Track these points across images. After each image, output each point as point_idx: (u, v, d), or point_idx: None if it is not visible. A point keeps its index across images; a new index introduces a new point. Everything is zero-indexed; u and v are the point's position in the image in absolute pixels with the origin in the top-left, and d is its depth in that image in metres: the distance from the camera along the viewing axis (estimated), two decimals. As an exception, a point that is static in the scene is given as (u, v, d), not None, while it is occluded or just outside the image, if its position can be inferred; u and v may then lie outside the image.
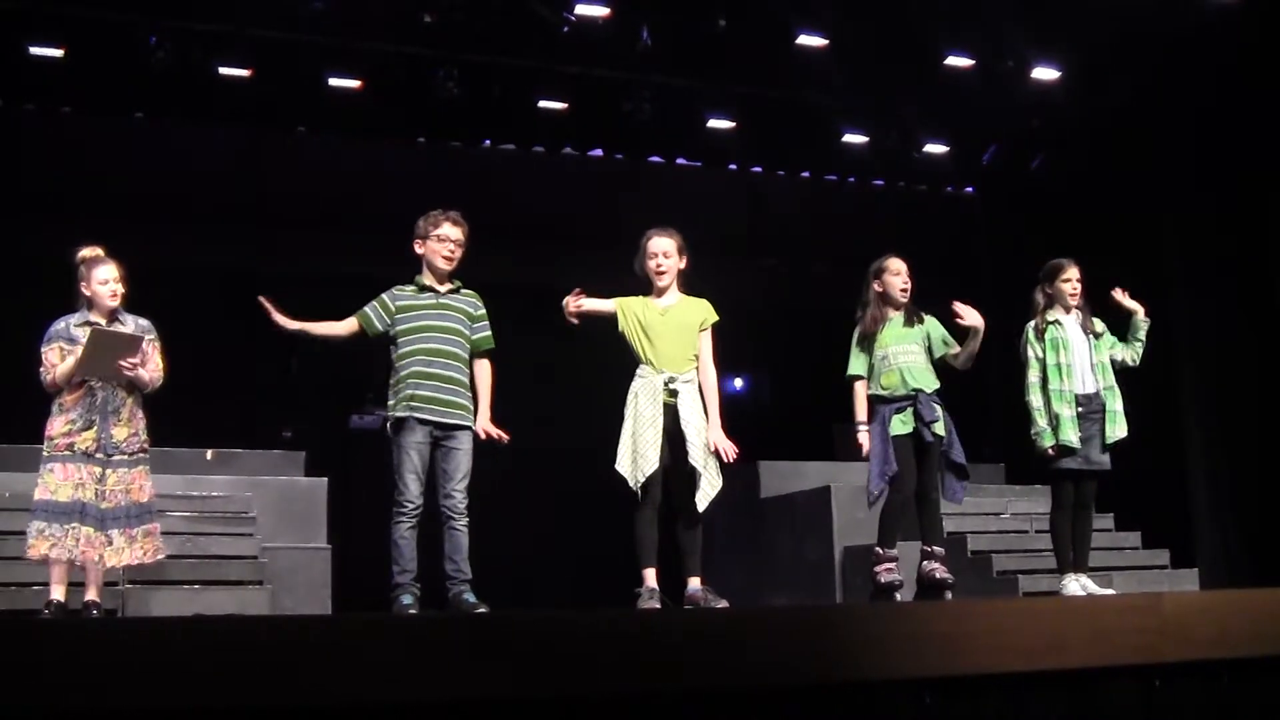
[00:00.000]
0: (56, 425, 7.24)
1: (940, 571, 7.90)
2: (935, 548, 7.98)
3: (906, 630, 5.95)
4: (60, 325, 7.33)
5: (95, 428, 7.23)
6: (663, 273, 7.62)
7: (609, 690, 5.25)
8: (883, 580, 7.90)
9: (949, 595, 7.89)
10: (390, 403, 7.34)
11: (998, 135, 15.27)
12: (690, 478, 7.37)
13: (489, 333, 7.56)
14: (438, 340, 7.34)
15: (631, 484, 7.31)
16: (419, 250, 7.52)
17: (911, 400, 7.89)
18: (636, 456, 7.30)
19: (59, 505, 7.13)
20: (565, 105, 13.42)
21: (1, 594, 8.24)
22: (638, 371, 7.53)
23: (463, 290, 7.57)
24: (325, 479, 10.35)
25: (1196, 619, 6.57)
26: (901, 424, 7.88)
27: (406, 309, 7.39)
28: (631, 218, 14.08)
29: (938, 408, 7.96)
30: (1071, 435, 8.09)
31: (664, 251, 7.63)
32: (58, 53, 11.75)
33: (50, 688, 4.55)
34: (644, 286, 7.73)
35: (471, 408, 7.39)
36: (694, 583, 7.42)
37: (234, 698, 4.71)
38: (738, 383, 15.64)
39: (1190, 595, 9.47)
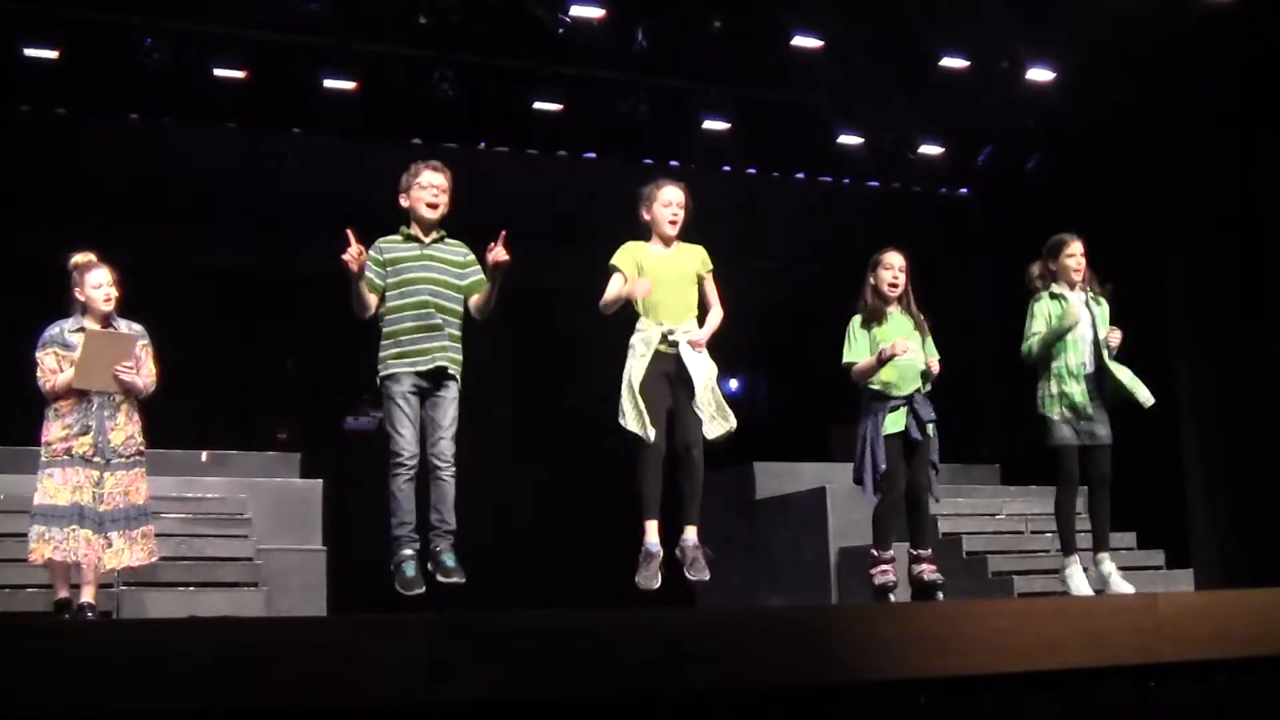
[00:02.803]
0: (53, 430, 7.27)
1: (929, 573, 7.89)
2: (923, 550, 7.97)
3: (902, 631, 5.96)
4: (55, 330, 7.36)
5: (91, 433, 7.26)
6: (675, 222, 7.56)
7: (603, 691, 5.26)
8: (878, 582, 7.89)
9: (940, 596, 7.88)
10: (380, 354, 7.26)
11: (993, 136, 15.27)
12: (695, 421, 7.31)
13: (481, 275, 7.41)
14: (425, 293, 7.25)
15: (644, 438, 7.21)
16: (404, 204, 7.45)
17: (908, 399, 7.88)
18: (641, 411, 7.23)
19: (59, 509, 7.16)
20: (561, 106, 13.41)
21: (-2, 596, 8.26)
22: (636, 325, 7.47)
23: (448, 239, 7.47)
24: (320, 481, 10.35)
25: (1192, 620, 6.59)
26: (894, 423, 7.86)
27: (395, 261, 7.29)
28: (627, 219, 14.09)
29: (931, 408, 7.96)
30: (1078, 407, 8.13)
31: (679, 202, 7.57)
32: (53, 54, 11.71)
33: (46, 689, 4.55)
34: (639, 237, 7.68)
35: (460, 359, 7.33)
36: (689, 533, 7.37)
37: (229, 699, 4.71)
38: (733, 383, 15.63)
39: (1185, 596, 9.48)
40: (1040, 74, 13.46)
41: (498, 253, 7.16)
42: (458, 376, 7.30)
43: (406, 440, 7.11)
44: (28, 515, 7.35)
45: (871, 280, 8.10)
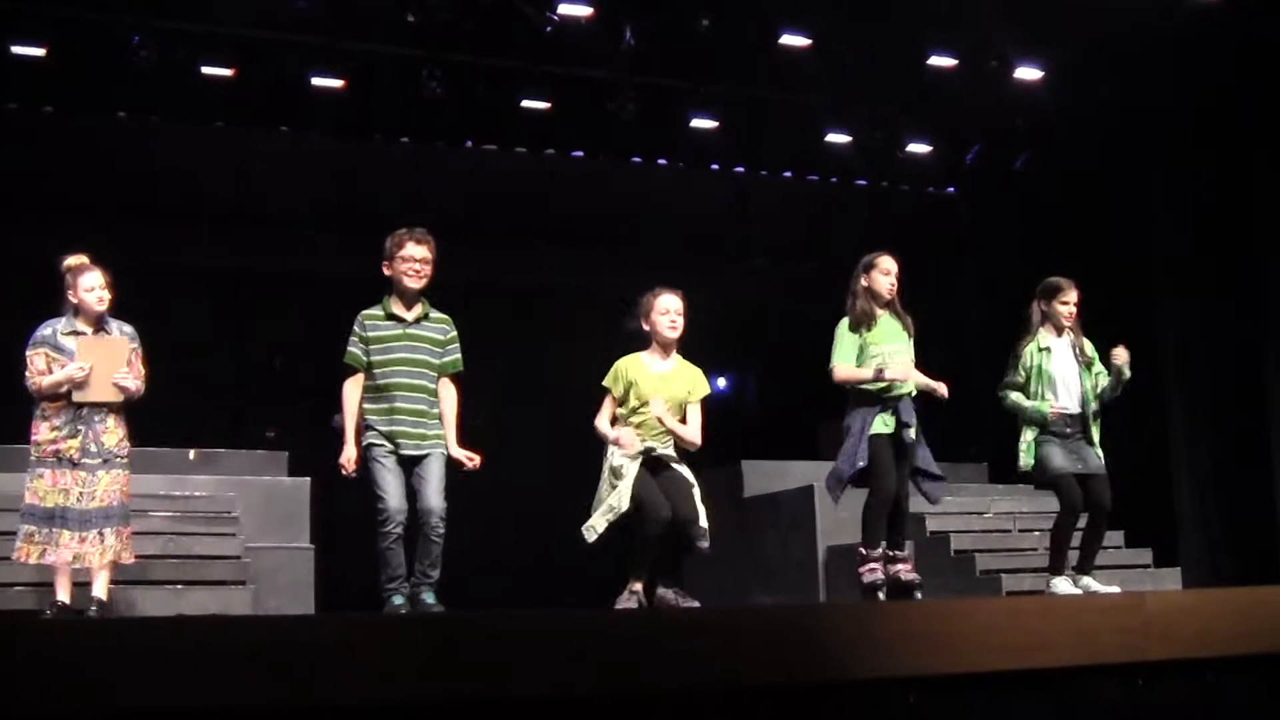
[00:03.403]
0: (42, 431, 7.32)
1: (906, 572, 7.90)
2: (901, 550, 7.98)
3: (891, 630, 5.97)
4: (47, 331, 7.39)
5: (80, 436, 7.30)
6: (675, 328, 7.63)
7: (593, 690, 5.25)
8: (867, 580, 7.89)
9: (918, 596, 7.89)
10: (365, 419, 7.31)
11: (981, 135, 15.29)
12: (687, 494, 7.44)
13: (458, 356, 7.48)
14: (407, 374, 7.30)
15: (587, 537, 7.39)
16: (387, 272, 7.41)
17: (896, 402, 7.88)
18: (608, 511, 7.36)
19: (43, 510, 7.23)
20: (549, 105, 13.41)
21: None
22: (612, 446, 7.55)
23: (432, 315, 7.47)
24: (308, 479, 10.34)
25: (1179, 618, 6.60)
26: (884, 424, 7.85)
27: (378, 340, 7.32)
28: (615, 218, 14.12)
29: (914, 412, 7.97)
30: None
31: (676, 309, 7.64)
32: (40, 52, 11.69)
33: (33, 688, 4.54)
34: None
35: (441, 432, 7.38)
36: (668, 593, 7.50)
37: (216, 698, 4.70)
38: (721, 382, 15.63)
39: (1173, 594, 9.51)
40: (1028, 73, 13.48)
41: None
42: (443, 447, 7.36)
43: (393, 499, 7.14)
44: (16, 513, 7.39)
45: (864, 283, 8.03)
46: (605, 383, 7.66)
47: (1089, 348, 8.40)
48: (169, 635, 4.98)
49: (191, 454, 10.48)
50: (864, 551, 7.93)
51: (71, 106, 12.78)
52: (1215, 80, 12.98)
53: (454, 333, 7.49)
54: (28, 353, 7.33)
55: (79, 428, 7.29)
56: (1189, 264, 13.53)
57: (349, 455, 7.22)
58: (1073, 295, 8.39)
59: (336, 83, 12.68)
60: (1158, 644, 6.36)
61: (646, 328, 7.70)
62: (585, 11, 12.22)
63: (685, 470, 7.60)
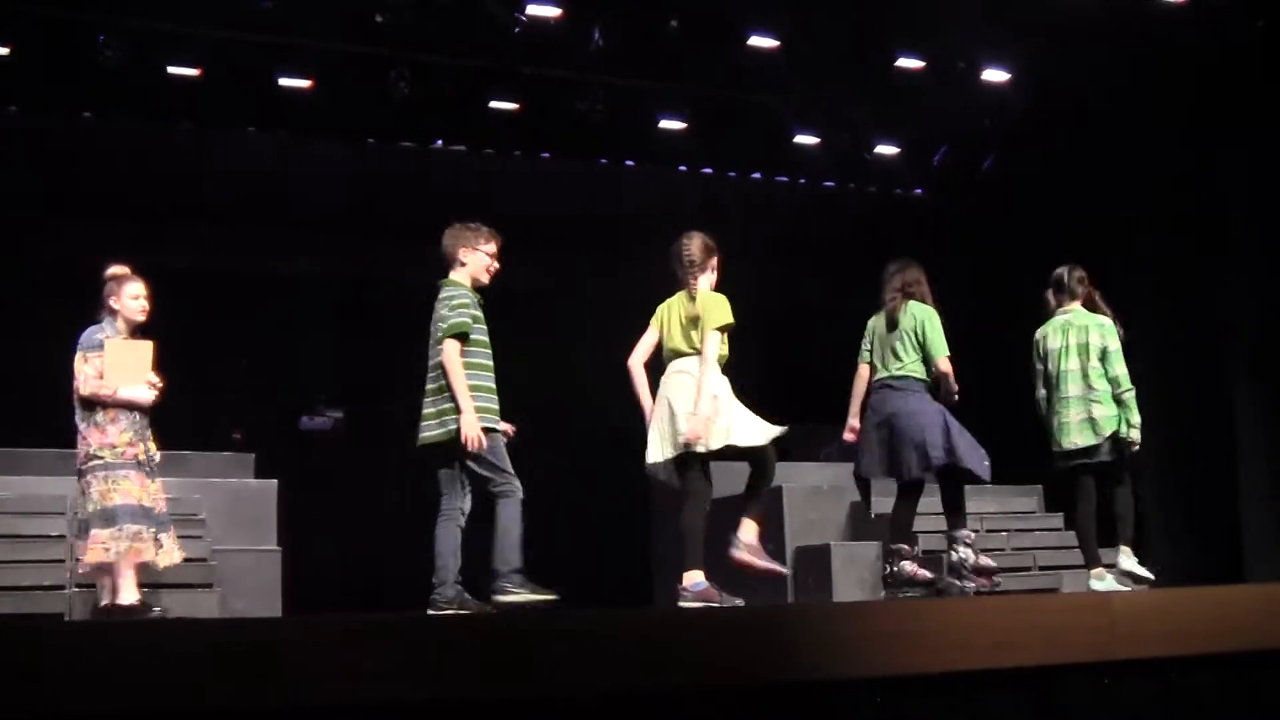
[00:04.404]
0: (112, 434, 7.52)
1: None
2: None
3: (859, 630, 5.97)
4: (98, 336, 7.60)
5: (142, 441, 7.61)
6: (689, 265, 7.69)
7: (560, 691, 5.24)
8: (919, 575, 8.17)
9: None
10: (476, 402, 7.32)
11: (949, 136, 15.32)
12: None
13: None
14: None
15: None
16: (464, 261, 7.64)
17: None
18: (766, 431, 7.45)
19: (141, 510, 7.47)
20: (517, 106, 13.39)
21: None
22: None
23: None
24: (275, 481, 10.29)
25: (1146, 617, 6.63)
26: None
27: (478, 319, 7.49)
28: (583, 219, 14.08)
29: None
30: (1076, 439, 8.47)
31: (684, 249, 7.73)
32: (3, 50, 11.63)
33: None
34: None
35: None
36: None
37: (182, 701, 4.68)
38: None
39: (1139, 594, 9.53)
40: (996, 74, 13.52)
41: None
42: None
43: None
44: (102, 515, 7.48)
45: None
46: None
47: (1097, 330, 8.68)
48: (131, 638, 4.95)
49: (156, 455, 10.40)
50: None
51: (36, 105, 12.71)
52: (1182, 81, 13.04)
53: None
54: (86, 356, 7.50)
55: (142, 432, 7.61)
56: (1156, 264, 13.59)
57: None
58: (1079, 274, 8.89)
59: (303, 82, 12.64)
60: (1124, 643, 6.39)
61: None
62: (554, 12, 12.20)
63: (677, 405, 7.58)
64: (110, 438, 7.47)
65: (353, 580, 12.74)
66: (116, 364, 7.47)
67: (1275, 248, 12.56)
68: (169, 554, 7.61)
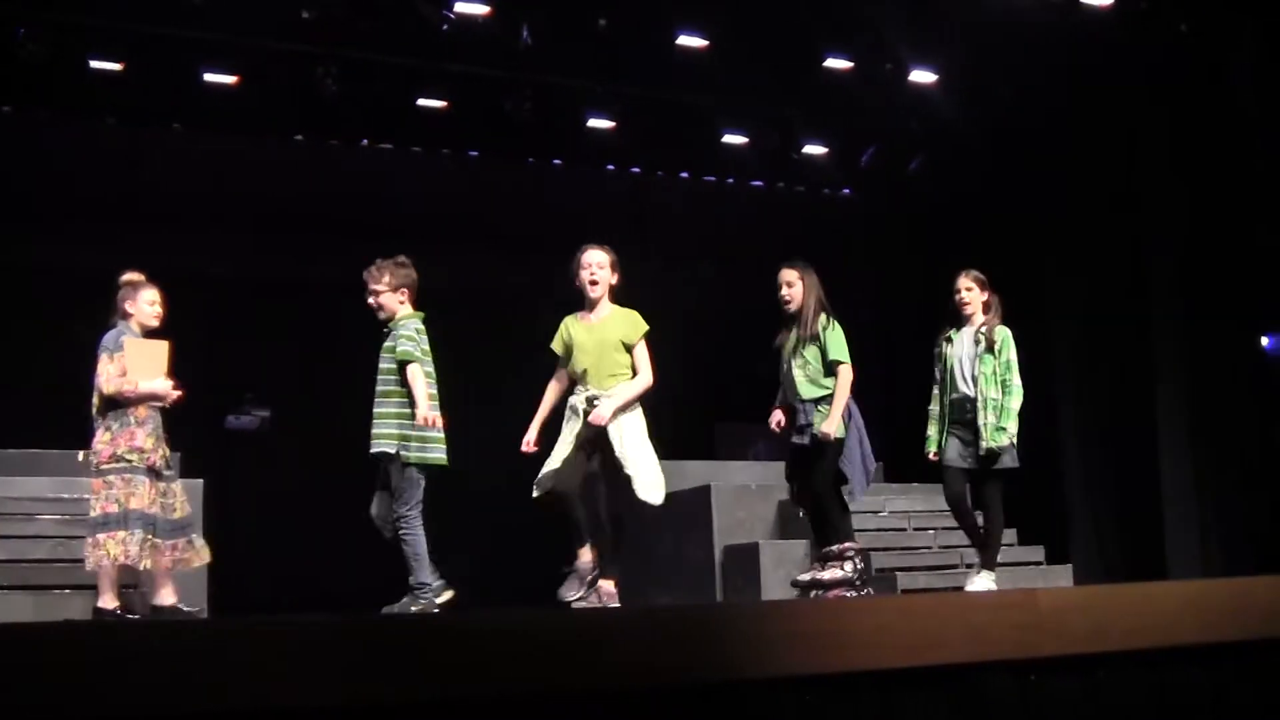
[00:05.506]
0: (139, 437, 7.76)
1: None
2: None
3: (787, 629, 5.98)
4: (122, 339, 7.90)
5: (161, 446, 7.88)
6: (596, 283, 7.71)
7: (481, 692, 5.22)
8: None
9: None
10: None
11: (876, 137, 15.40)
12: (619, 489, 7.69)
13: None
14: None
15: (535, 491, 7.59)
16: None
17: None
18: (551, 463, 7.56)
19: (148, 517, 7.69)
20: (445, 104, 13.34)
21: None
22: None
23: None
24: (201, 480, 10.19)
25: (1071, 614, 6.67)
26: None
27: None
28: (511, 218, 14.02)
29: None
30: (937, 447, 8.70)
31: (597, 263, 7.72)
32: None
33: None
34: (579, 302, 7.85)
35: None
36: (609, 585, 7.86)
37: (100, 707, 4.62)
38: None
39: (1065, 591, 9.62)
40: (923, 76, 13.59)
41: None
42: None
43: None
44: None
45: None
46: (553, 345, 7.83)
47: (998, 335, 8.57)
48: (52, 639, 4.89)
49: (80, 455, 10.29)
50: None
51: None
52: (1108, 83, 13.18)
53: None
54: (103, 356, 7.79)
55: (161, 436, 7.86)
56: (1081, 265, 13.72)
57: None
58: (959, 282, 8.70)
59: (229, 79, 12.53)
60: (1050, 640, 6.43)
61: (577, 285, 7.79)
62: (482, 10, 12.15)
63: (617, 432, 7.72)
64: (138, 441, 7.72)
65: (280, 580, 12.63)
66: (136, 361, 7.78)
67: (1200, 246, 12.69)
68: (197, 554, 8.01)
